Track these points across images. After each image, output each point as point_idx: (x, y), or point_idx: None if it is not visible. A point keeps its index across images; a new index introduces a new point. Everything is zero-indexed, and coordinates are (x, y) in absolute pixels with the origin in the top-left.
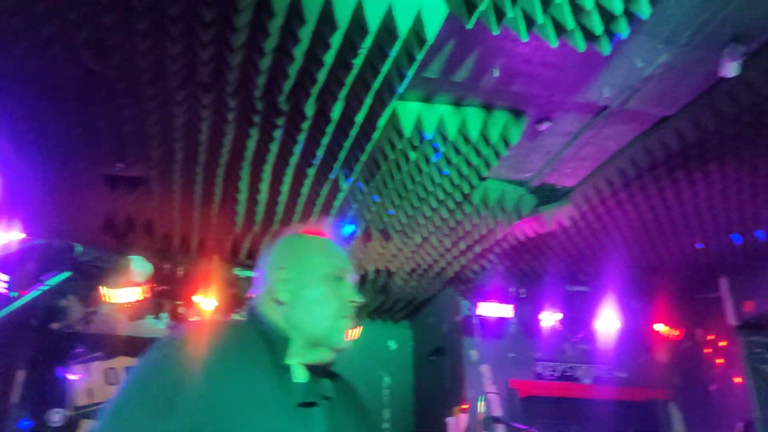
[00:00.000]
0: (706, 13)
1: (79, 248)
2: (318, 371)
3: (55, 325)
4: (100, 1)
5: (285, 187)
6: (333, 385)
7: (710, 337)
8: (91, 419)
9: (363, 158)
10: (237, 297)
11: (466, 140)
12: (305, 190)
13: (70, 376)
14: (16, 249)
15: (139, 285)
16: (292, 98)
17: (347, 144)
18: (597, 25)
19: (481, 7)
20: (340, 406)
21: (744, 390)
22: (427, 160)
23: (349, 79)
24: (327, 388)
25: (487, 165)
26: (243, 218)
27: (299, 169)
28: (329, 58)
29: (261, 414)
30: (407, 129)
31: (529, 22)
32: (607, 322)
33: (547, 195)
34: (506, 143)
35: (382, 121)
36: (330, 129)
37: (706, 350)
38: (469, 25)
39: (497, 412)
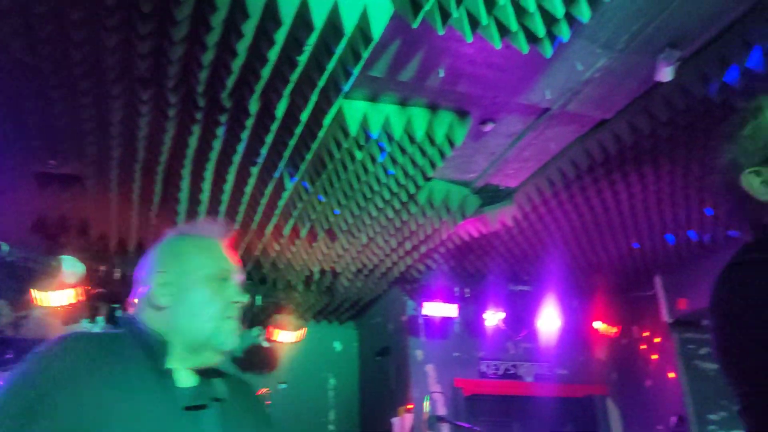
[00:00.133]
0: (642, 18)
1: (5, 247)
2: (209, 373)
3: None
4: None
5: (228, 186)
6: (226, 386)
7: (646, 334)
8: None
9: (308, 157)
10: None
11: (412, 140)
12: (249, 189)
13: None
14: None
15: (72, 287)
16: (236, 94)
17: (292, 142)
18: (539, 28)
19: (426, 7)
20: (234, 407)
21: (678, 385)
22: (373, 160)
23: (294, 76)
24: (219, 389)
25: (433, 165)
26: (184, 218)
27: (243, 168)
28: (273, 54)
29: (140, 421)
30: (353, 128)
31: (474, 23)
32: (549, 320)
33: (491, 195)
34: (451, 143)
35: (327, 120)
36: (275, 127)
37: (641, 347)
38: (415, 25)
39: (442, 411)
